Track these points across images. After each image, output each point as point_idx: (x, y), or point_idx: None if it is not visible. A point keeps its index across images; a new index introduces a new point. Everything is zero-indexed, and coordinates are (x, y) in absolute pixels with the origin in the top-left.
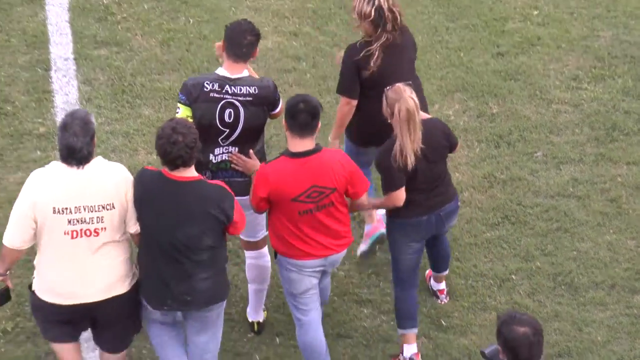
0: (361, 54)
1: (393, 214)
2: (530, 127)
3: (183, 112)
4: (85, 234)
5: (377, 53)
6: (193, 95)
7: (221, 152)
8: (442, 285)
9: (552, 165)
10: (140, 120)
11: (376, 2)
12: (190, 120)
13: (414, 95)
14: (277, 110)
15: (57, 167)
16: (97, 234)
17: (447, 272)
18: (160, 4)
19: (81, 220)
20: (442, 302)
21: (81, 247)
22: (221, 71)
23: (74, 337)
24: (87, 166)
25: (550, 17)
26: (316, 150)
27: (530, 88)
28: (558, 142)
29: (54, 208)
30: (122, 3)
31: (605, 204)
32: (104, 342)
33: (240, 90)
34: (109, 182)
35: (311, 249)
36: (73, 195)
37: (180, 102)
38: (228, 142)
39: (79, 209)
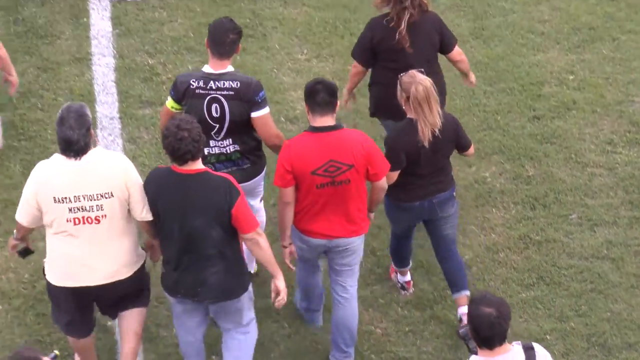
0: (382, 29)
1: (389, 194)
2: (566, 190)
3: (170, 102)
4: (87, 221)
5: (400, 28)
6: (180, 91)
7: (216, 144)
8: (464, 309)
9: (587, 228)
10: None
11: None
12: (176, 110)
13: (428, 79)
14: (258, 114)
15: (57, 159)
16: (98, 221)
17: (468, 292)
18: (204, 65)
19: (81, 209)
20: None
21: (85, 233)
22: (206, 68)
23: (87, 329)
24: (85, 157)
25: (585, 82)
26: (336, 127)
27: (566, 151)
28: (593, 204)
29: (54, 198)
30: (167, 64)
31: (639, 266)
32: (112, 310)
33: (223, 84)
34: (107, 171)
35: (317, 227)
36: (72, 185)
37: (170, 95)
38: (221, 136)
39: (78, 198)
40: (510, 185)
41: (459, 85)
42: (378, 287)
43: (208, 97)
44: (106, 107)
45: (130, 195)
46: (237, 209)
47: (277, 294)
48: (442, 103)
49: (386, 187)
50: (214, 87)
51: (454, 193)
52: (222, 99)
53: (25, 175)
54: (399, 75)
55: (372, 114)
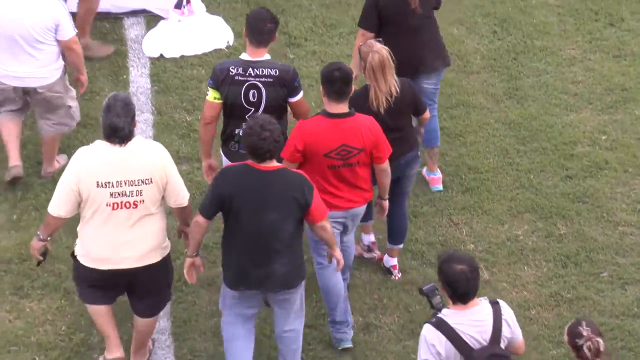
0: None
1: None
2: (597, 248)
3: (212, 94)
4: (125, 206)
5: None
6: (220, 78)
7: (240, 125)
8: (395, 262)
9: (618, 286)
10: (219, 234)
11: None
12: (219, 101)
13: (385, 48)
14: (296, 99)
15: (100, 145)
16: (136, 206)
17: (401, 246)
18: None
19: (122, 194)
20: (396, 278)
21: (120, 217)
22: (244, 56)
23: (108, 300)
24: (129, 144)
25: (618, 142)
26: (350, 114)
27: (598, 210)
28: (624, 263)
29: (98, 182)
30: None
31: None
32: (139, 308)
33: (262, 71)
34: (148, 158)
35: (336, 201)
36: (115, 171)
37: (209, 86)
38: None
39: (120, 183)
40: (542, 243)
41: (493, 144)
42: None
43: (247, 84)
44: None
45: (168, 182)
46: (314, 203)
47: (337, 261)
48: (443, 59)
49: (389, 169)
50: (252, 74)
51: (418, 153)
52: (260, 85)
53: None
54: (359, 45)
55: None
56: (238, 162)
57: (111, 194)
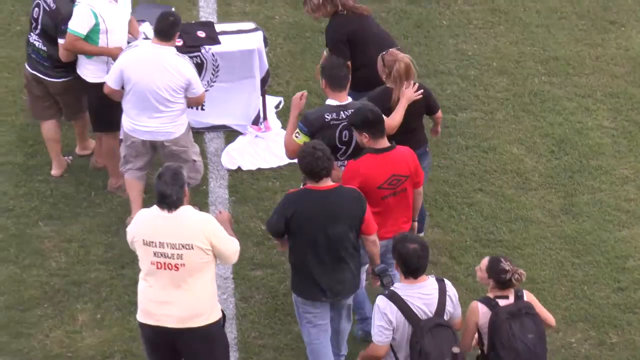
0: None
1: None
2: None
3: (302, 138)
4: (167, 267)
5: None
6: (316, 126)
7: (339, 164)
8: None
9: None
10: (290, 336)
11: None
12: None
13: (407, 56)
14: None
15: (153, 209)
16: (177, 268)
17: (422, 233)
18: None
19: (164, 255)
20: None
21: (165, 277)
22: (332, 102)
23: None
24: (177, 211)
25: None
26: (393, 147)
27: None
28: None
29: (144, 240)
30: None
31: None
32: None
33: (348, 114)
34: (190, 226)
35: (385, 232)
36: (159, 233)
37: (302, 132)
38: (344, 157)
39: (163, 245)
40: (595, 351)
41: (549, 257)
42: None
43: (340, 126)
44: (220, 268)
45: (214, 249)
46: (367, 215)
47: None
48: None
49: (422, 193)
50: (344, 117)
51: (427, 149)
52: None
53: None
54: (381, 54)
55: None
56: None
57: (154, 253)
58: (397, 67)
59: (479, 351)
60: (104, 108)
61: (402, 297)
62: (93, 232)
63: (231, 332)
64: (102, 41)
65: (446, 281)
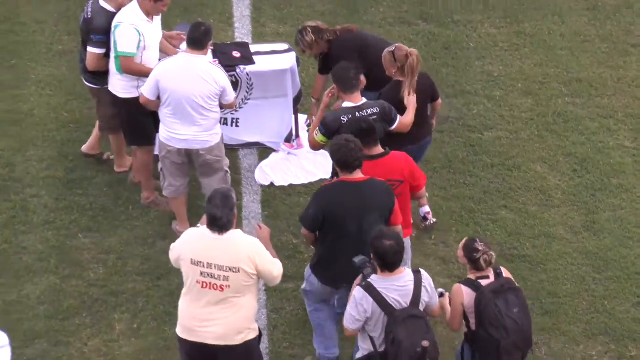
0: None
1: (389, 145)
2: None
3: (320, 138)
4: (213, 287)
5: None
6: (333, 129)
7: None
8: (427, 208)
9: None
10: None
11: (306, 33)
12: (324, 143)
13: (415, 50)
14: (395, 126)
15: (203, 230)
16: (222, 289)
17: (426, 195)
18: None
19: (211, 275)
20: (432, 222)
21: (209, 296)
22: (348, 104)
23: None
24: (227, 234)
25: None
26: (386, 153)
27: None
28: None
29: (192, 259)
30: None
31: None
32: None
33: (367, 112)
34: (238, 250)
35: None
36: (208, 254)
37: (321, 132)
38: None
39: (210, 266)
40: None
41: (570, 272)
42: None
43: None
44: None
45: (260, 273)
46: (396, 206)
47: None
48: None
49: (426, 194)
50: (357, 117)
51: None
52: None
53: None
54: (387, 50)
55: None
56: None
57: (201, 273)
58: (411, 61)
59: (466, 329)
60: (136, 123)
61: (378, 289)
62: (130, 244)
63: (263, 342)
64: (137, 59)
65: (422, 272)
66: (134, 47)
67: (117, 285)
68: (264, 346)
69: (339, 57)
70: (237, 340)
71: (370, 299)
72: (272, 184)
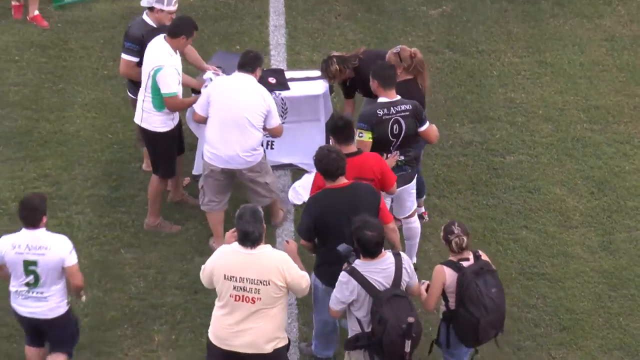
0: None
1: None
2: None
3: (366, 135)
4: (245, 299)
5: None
6: (373, 121)
7: (387, 157)
8: (423, 209)
9: None
10: None
11: (331, 62)
12: (371, 139)
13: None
14: (424, 128)
15: (235, 246)
16: (254, 301)
17: (424, 197)
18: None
19: (243, 289)
20: (428, 219)
21: (241, 308)
22: (383, 99)
23: None
24: (258, 248)
25: None
26: (358, 152)
27: None
28: None
29: (225, 275)
30: None
31: None
32: None
33: (401, 107)
34: (269, 264)
35: None
36: (240, 268)
37: (363, 129)
38: (395, 149)
39: (243, 280)
40: None
41: (587, 290)
42: None
43: (391, 120)
44: None
45: (289, 285)
46: (383, 205)
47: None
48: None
49: (395, 191)
50: (394, 112)
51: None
52: (401, 119)
53: None
54: (391, 52)
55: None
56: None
57: (234, 287)
58: (418, 58)
59: (444, 308)
60: (171, 155)
61: (362, 272)
62: (169, 259)
63: (295, 353)
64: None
65: (402, 255)
66: (176, 86)
67: (156, 299)
68: (295, 357)
69: (366, 75)
70: (268, 348)
71: (355, 282)
72: (304, 204)
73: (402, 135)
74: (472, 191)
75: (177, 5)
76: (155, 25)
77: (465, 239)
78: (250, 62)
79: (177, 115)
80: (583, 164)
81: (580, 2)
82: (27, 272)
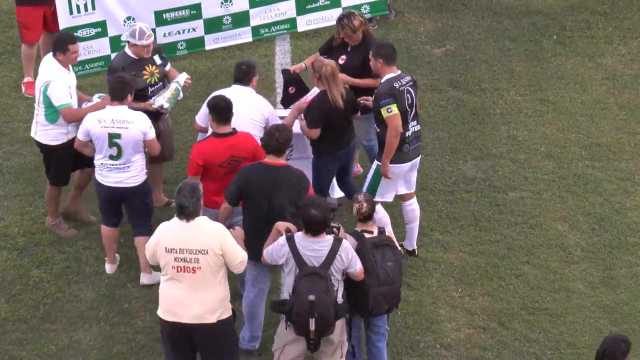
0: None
1: (319, 152)
2: None
3: (395, 109)
4: (186, 270)
5: None
6: (394, 94)
7: (408, 128)
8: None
9: None
10: None
11: (354, 17)
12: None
13: (333, 62)
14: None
15: (173, 220)
16: (194, 271)
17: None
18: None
19: (183, 259)
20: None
21: (185, 279)
22: (390, 75)
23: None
24: (194, 221)
25: None
26: (234, 132)
27: None
28: None
29: (166, 247)
30: None
31: None
32: None
33: (406, 79)
34: (206, 234)
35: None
36: (179, 240)
37: (390, 103)
38: (411, 118)
39: (182, 251)
40: None
41: (588, 324)
42: None
43: (404, 91)
44: None
45: (224, 255)
46: (310, 192)
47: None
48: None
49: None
50: (404, 83)
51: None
52: (410, 89)
53: None
54: (311, 64)
55: None
56: (407, 163)
57: (175, 259)
58: (324, 70)
59: (345, 277)
60: (59, 168)
61: (297, 243)
62: None
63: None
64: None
65: (343, 242)
66: (68, 98)
67: None
68: None
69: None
70: (212, 319)
71: (287, 249)
72: None
73: (414, 105)
74: (474, 227)
75: (150, 40)
76: (136, 57)
77: (365, 205)
78: (244, 76)
79: (72, 130)
80: (584, 201)
81: (581, 41)
82: (111, 145)
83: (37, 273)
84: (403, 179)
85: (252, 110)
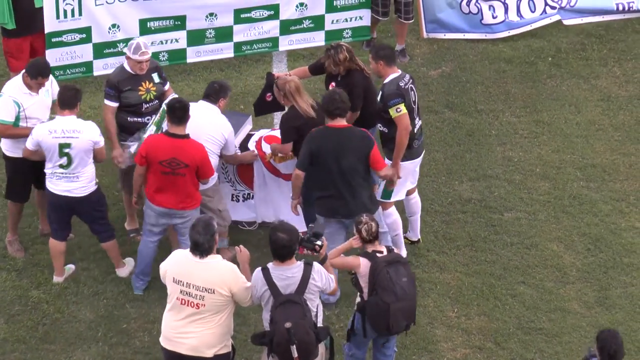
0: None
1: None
2: None
3: (403, 108)
4: (190, 304)
5: None
6: (402, 93)
7: (415, 124)
8: None
9: None
10: None
11: (341, 50)
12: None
13: (295, 77)
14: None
15: (187, 253)
16: (198, 307)
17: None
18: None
19: (188, 294)
20: None
21: (186, 312)
22: (394, 75)
23: None
24: (207, 258)
25: None
26: (185, 136)
27: None
28: None
29: (174, 278)
30: None
31: None
32: None
33: (407, 77)
34: (215, 274)
35: (160, 198)
36: (187, 274)
37: (399, 103)
38: (418, 116)
39: (189, 285)
40: None
41: (584, 344)
42: None
43: (409, 88)
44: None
45: (234, 295)
46: (374, 151)
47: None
48: None
49: (208, 184)
50: (407, 81)
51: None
52: (412, 86)
53: None
54: (275, 81)
55: None
56: (418, 158)
57: (181, 291)
58: (288, 87)
59: (359, 299)
60: (14, 181)
61: (271, 274)
62: None
63: None
64: (22, 126)
65: (314, 265)
66: (10, 116)
67: (161, 353)
68: None
69: (357, 86)
70: (209, 353)
71: (263, 280)
72: None
73: (416, 102)
74: (470, 247)
75: (144, 57)
76: (133, 72)
77: (373, 225)
78: (213, 94)
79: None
80: (579, 221)
81: (576, 63)
82: (61, 154)
83: (36, 293)
84: (411, 174)
85: (213, 128)
